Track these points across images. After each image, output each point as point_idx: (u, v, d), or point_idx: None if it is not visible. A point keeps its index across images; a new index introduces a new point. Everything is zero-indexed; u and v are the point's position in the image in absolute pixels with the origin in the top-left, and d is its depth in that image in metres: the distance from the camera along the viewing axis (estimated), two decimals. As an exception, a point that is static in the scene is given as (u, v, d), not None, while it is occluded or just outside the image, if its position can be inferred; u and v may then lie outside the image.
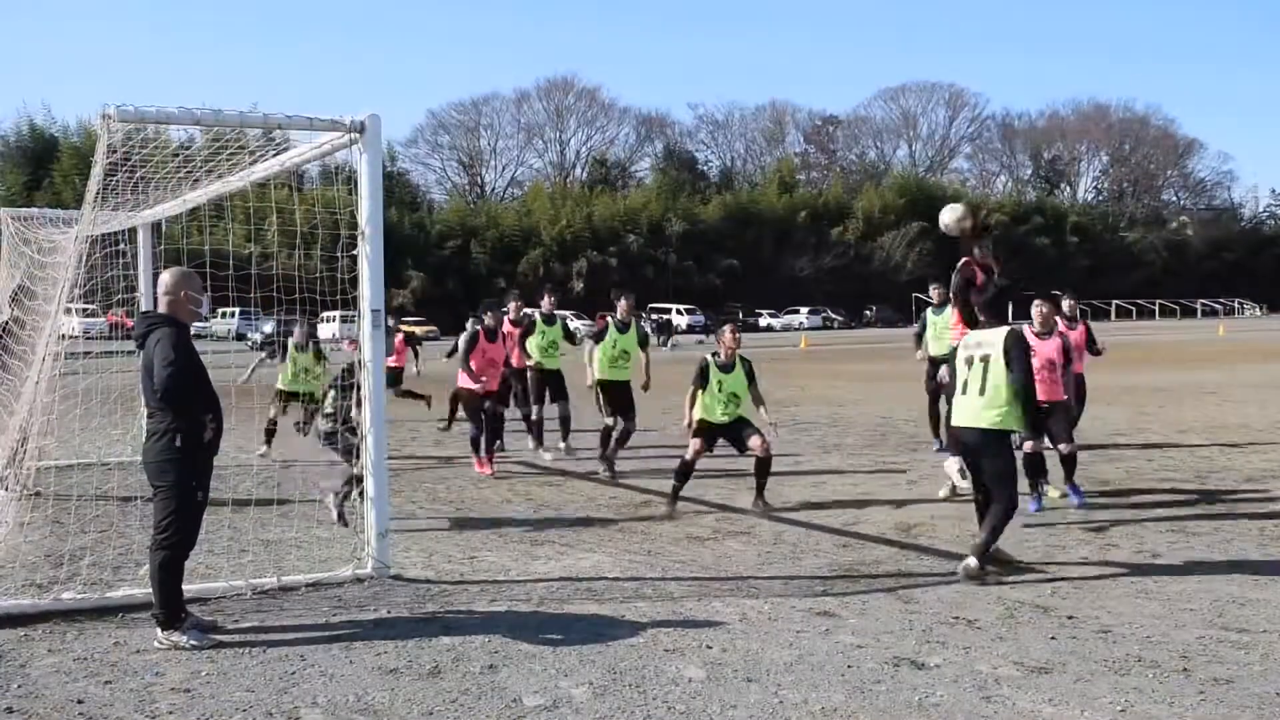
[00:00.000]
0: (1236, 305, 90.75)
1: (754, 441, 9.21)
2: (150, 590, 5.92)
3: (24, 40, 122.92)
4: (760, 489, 9.29)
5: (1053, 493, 9.40)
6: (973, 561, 6.87)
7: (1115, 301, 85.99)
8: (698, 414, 9.34)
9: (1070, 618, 6.09)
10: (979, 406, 7.08)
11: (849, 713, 4.75)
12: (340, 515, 8.69)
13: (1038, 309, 9.36)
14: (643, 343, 11.76)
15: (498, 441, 12.09)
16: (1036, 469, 8.93)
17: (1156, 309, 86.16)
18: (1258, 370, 25.53)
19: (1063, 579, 6.94)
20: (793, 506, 9.45)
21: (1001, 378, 7.00)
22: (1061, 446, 9.14)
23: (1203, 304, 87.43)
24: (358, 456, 7.68)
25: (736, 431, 9.35)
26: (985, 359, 7.10)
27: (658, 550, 7.86)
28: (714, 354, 9.38)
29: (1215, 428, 14.60)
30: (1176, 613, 6.18)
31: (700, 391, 9.32)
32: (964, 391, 7.20)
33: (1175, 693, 4.95)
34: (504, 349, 11.63)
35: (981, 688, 5.02)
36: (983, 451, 7.10)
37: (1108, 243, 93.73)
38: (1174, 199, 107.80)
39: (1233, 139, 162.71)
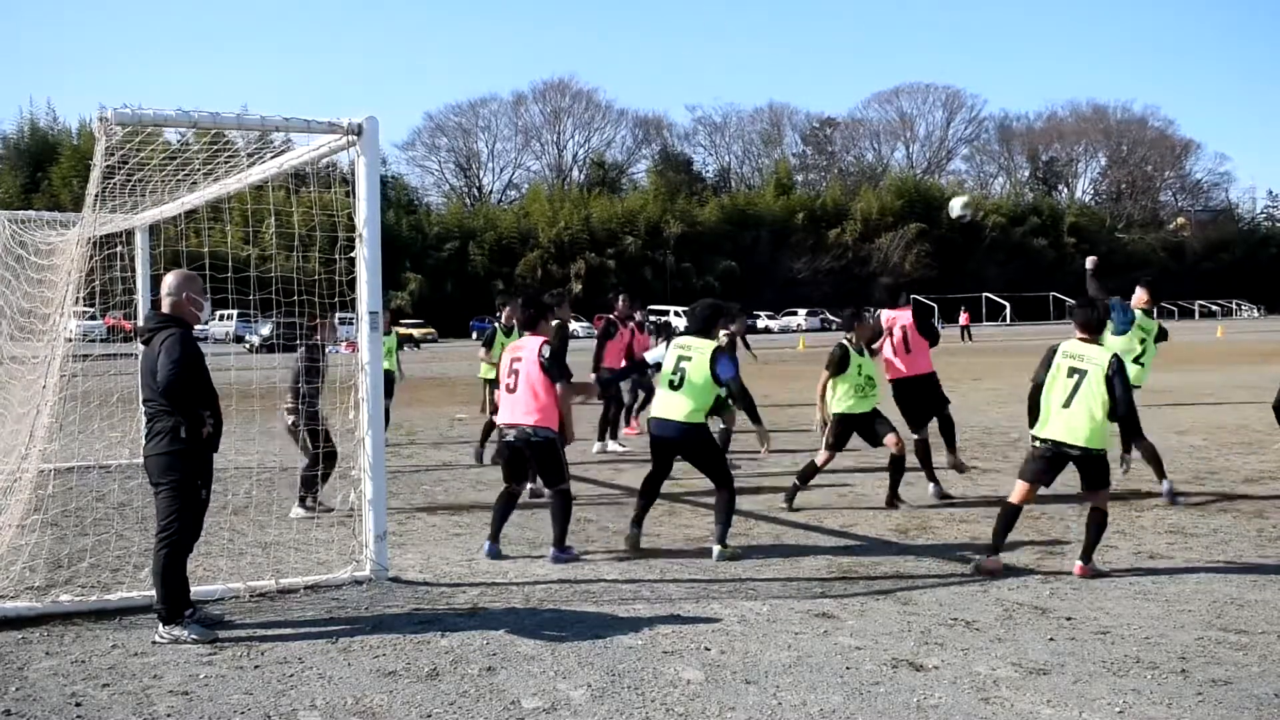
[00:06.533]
0: (1234, 306, 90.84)
1: (889, 439, 9.35)
2: (151, 590, 5.97)
3: (26, 41, 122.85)
4: (894, 486, 9.50)
5: None
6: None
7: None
8: (834, 407, 9.34)
9: (1068, 619, 6.10)
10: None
11: (847, 714, 4.75)
12: (306, 503, 9.15)
13: None
14: None
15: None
16: None
17: (1154, 311, 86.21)
18: (1256, 371, 25.52)
19: (1061, 580, 6.95)
20: (790, 508, 9.45)
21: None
22: None
23: (1200, 305, 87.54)
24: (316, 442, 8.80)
25: (871, 424, 9.44)
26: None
27: (656, 552, 7.86)
28: (848, 338, 9.43)
29: (1213, 429, 14.63)
30: (1175, 614, 6.19)
31: (836, 381, 9.31)
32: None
33: (1173, 694, 4.95)
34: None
35: (980, 689, 5.02)
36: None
37: (1106, 244, 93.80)
38: (1171, 200, 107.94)
39: (1230, 140, 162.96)
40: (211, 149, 7.92)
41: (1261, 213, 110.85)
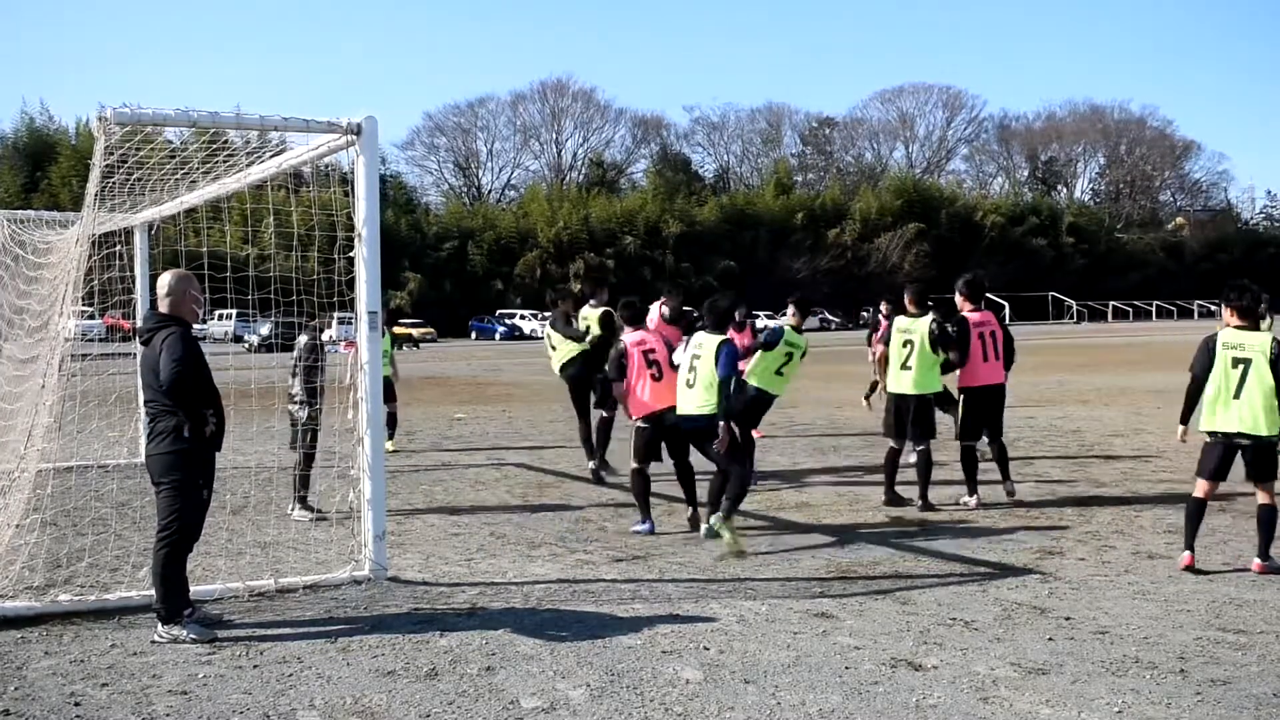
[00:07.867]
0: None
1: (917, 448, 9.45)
2: (149, 590, 5.97)
3: (25, 41, 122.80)
4: (891, 484, 9.60)
5: None
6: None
7: (1113, 303, 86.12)
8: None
9: (1067, 619, 6.10)
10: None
11: (846, 714, 4.76)
12: (307, 502, 9.14)
13: None
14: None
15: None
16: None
17: (1154, 310, 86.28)
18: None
19: (1060, 580, 6.96)
20: (790, 508, 9.46)
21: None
22: None
23: (1199, 305, 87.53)
24: (305, 439, 8.99)
25: (911, 411, 9.39)
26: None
27: (655, 552, 7.87)
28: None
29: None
30: (1173, 614, 6.19)
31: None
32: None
33: (1172, 694, 4.96)
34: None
35: (979, 689, 5.03)
36: None
37: (1104, 244, 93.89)
38: (1170, 200, 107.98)
39: (1229, 140, 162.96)
40: (211, 149, 7.92)
41: (1260, 213, 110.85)
